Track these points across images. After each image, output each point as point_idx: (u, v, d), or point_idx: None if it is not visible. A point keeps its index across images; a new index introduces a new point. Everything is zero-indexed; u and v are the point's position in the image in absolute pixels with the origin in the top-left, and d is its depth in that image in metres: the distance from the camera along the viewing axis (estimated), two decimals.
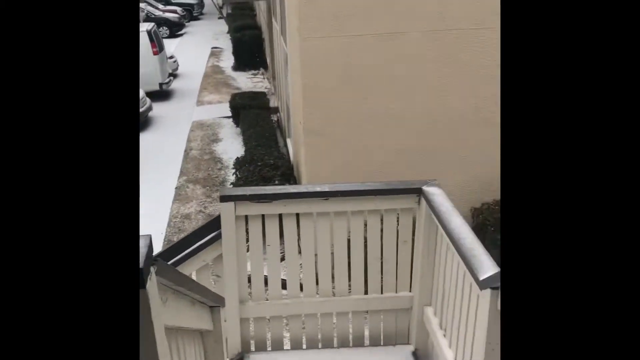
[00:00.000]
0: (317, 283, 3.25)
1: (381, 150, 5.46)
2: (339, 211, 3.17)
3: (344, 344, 3.35)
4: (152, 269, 1.12)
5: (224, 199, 3.04)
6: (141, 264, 1.05)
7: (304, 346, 3.32)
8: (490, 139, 5.22)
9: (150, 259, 1.09)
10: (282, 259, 3.25)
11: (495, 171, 6.20)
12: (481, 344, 2.24)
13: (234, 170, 7.39)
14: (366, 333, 3.40)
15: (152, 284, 1.12)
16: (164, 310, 1.26)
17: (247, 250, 3.17)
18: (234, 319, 3.15)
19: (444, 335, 2.88)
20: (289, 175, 6.89)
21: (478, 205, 5.42)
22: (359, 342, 3.36)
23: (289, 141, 8.14)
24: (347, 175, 5.11)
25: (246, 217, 3.08)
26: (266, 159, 7.01)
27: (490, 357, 2.21)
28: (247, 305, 3.18)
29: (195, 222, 7.11)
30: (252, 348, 3.28)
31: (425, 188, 3.05)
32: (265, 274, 3.24)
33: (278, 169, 6.85)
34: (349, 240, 3.22)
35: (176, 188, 8.37)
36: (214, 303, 2.01)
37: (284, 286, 3.31)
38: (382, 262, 3.23)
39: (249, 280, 3.22)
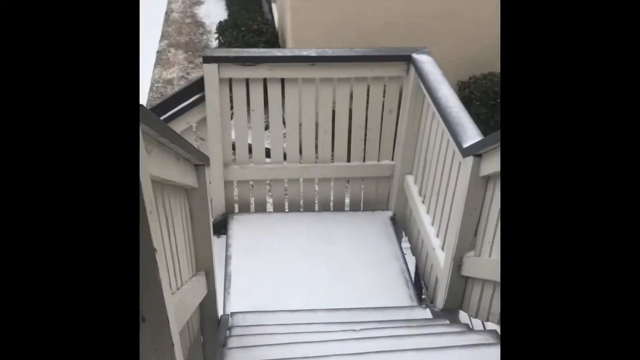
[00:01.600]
0: (300, 152, 3.27)
1: (373, 19, 5.25)
2: (325, 78, 3.10)
3: (324, 208, 3.44)
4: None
5: (207, 59, 2.94)
6: None
7: (286, 209, 3.41)
8: (484, 13, 5.03)
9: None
10: (266, 127, 3.22)
11: (486, 46, 6.02)
12: (459, 209, 2.31)
13: (216, 35, 7.11)
14: (347, 200, 3.50)
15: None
16: (149, 162, 1.25)
17: (232, 118, 3.13)
18: (218, 181, 3.19)
19: (423, 202, 2.97)
20: (273, 42, 6.66)
21: (466, 79, 5.35)
22: (339, 207, 3.45)
23: (274, 6, 7.77)
24: (334, 44, 4.94)
25: (230, 80, 3.01)
26: (250, 24, 6.71)
27: (467, 222, 2.29)
28: (230, 169, 3.21)
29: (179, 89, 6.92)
30: (236, 210, 3.37)
31: (415, 55, 2.97)
32: (249, 141, 3.23)
33: (262, 35, 6.58)
34: (333, 112, 3.18)
35: (157, 52, 8.08)
36: (199, 161, 2.01)
37: (267, 154, 3.31)
38: (366, 131, 3.23)
39: (233, 147, 3.22)
